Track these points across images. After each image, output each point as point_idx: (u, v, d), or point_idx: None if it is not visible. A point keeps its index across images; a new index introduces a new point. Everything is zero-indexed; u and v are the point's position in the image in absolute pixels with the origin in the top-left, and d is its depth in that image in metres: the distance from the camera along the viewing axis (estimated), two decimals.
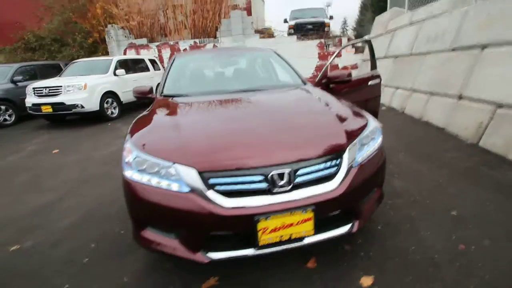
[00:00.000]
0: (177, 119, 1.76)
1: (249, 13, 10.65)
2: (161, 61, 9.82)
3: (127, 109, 7.77)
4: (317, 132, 1.58)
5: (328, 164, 1.43)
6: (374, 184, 1.64)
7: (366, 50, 8.33)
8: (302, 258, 1.69)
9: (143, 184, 1.40)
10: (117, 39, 9.67)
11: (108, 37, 9.58)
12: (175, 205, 1.32)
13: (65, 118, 7.06)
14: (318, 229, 1.38)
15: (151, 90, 2.59)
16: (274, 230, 1.32)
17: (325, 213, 1.38)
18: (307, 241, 1.40)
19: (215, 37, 10.08)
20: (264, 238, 1.32)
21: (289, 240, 1.37)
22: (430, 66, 4.99)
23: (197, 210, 1.29)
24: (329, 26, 11.38)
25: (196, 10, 9.94)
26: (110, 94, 6.61)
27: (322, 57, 9.59)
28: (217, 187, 1.32)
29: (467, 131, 3.68)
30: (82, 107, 5.96)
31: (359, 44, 8.14)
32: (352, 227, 1.50)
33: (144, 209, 1.44)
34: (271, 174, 1.32)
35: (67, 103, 5.87)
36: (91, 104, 6.10)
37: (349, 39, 10.16)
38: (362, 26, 17.32)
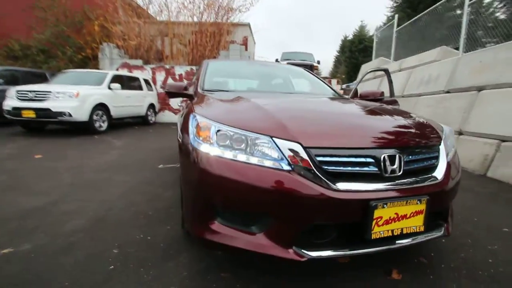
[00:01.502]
0: (250, 102, 1.59)
1: (246, 48, 11.18)
2: (154, 83, 9.67)
3: (115, 124, 7.33)
4: (409, 122, 1.49)
5: (430, 154, 1.34)
6: (458, 186, 1.54)
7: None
8: (381, 270, 1.47)
9: (228, 160, 1.17)
10: (111, 57, 9.46)
11: (102, 54, 9.35)
12: (271, 186, 1.10)
13: (45, 127, 6.44)
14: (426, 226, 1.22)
15: (187, 87, 2.41)
16: (387, 221, 1.13)
17: (434, 206, 1.23)
18: (413, 240, 1.23)
19: None
20: (377, 230, 1.12)
21: (400, 236, 1.18)
22: (426, 105, 5.39)
23: (302, 192, 1.08)
24: (317, 69, 12.26)
25: (196, 41, 10.22)
26: (101, 107, 6.22)
27: None
28: (325, 167, 1.14)
29: (472, 163, 3.86)
30: (70, 115, 5.47)
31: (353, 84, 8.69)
32: (445, 230, 1.36)
33: (224, 192, 1.18)
34: (383, 156, 1.18)
35: (54, 109, 5.37)
36: (81, 113, 5.65)
37: (338, 81, 10.89)
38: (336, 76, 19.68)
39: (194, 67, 9.94)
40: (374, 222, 1.11)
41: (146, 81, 8.72)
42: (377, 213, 1.10)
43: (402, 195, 1.15)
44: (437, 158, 1.35)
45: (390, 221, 1.14)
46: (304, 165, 1.11)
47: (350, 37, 29.80)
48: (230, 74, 2.77)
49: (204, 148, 1.24)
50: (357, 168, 1.16)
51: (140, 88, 8.25)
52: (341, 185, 1.11)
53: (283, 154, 1.14)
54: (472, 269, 1.51)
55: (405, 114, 1.66)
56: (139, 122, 8.59)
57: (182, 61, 10.76)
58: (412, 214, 1.17)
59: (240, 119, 1.32)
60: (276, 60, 13.34)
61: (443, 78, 5.11)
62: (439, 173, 1.30)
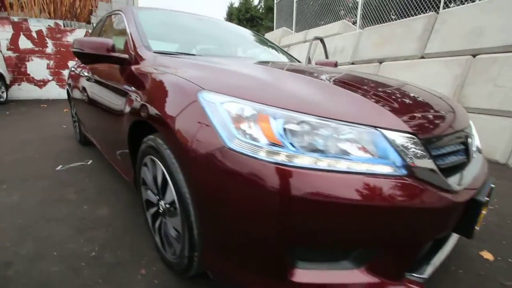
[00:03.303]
0: (291, 73, 1.11)
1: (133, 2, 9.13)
2: None
3: None
4: (450, 99, 1.35)
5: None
6: None
7: None
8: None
9: (315, 171, 0.72)
10: None
11: None
12: (386, 200, 0.73)
13: None
14: None
15: (114, 47, 1.54)
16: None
17: None
18: None
19: (88, 22, 7.91)
20: (476, 227, 0.96)
21: None
22: None
23: (428, 201, 0.77)
24: None
25: None
26: None
27: None
28: (439, 163, 0.85)
29: None
30: None
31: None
32: None
33: (314, 221, 0.73)
34: (469, 139, 1.01)
35: None
36: None
37: None
38: None
39: (61, 22, 7.39)
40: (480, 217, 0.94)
41: None
42: (484, 209, 0.94)
43: (488, 180, 1.03)
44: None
45: (480, 213, 1.01)
46: (424, 165, 0.80)
47: (236, 4, 29.57)
48: (177, 31, 1.97)
49: (266, 155, 0.73)
50: (454, 158, 0.95)
51: None
52: (455, 184, 0.87)
53: (397, 153, 0.77)
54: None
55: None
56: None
57: (38, 13, 7.80)
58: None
59: (309, 102, 0.83)
60: None
61: (348, 50, 5.67)
62: (480, 149, 1.28)
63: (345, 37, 5.92)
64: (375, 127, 0.78)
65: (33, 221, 1.61)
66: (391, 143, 0.77)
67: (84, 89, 2.34)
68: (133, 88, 1.29)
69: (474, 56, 3.44)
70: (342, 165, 0.73)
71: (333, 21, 7.01)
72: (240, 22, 27.59)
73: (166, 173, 1.04)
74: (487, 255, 1.43)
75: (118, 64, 1.58)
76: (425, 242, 0.84)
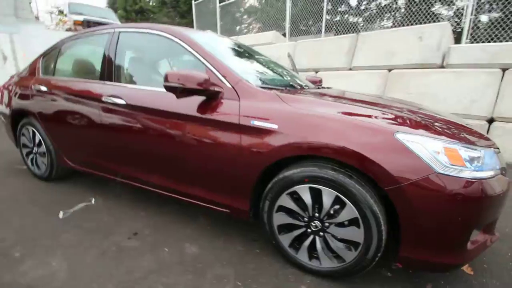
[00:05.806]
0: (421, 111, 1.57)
1: None
2: None
3: None
4: None
5: None
6: None
7: None
8: None
9: (483, 179, 1.18)
10: None
11: None
12: (505, 189, 1.28)
13: None
14: None
15: (208, 81, 1.51)
16: None
17: None
18: None
19: None
20: None
21: None
22: None
23: (508, 186, 1.34)
24: None
25: None
26: None
27: None
28: None
29: None
30: None
31: None
32: None
33: (485, 210, 1.22)
34: None
35: None
36: None
37: None
38: None
39: None
40: None
41: None
42: None
43: None
44: None
45: None
46: (502, 166, 1.37)
47: None
48: (235, 58, 1.99)
49: (465, 174, 1.15)
50: None
51: None
52: None
53: (498, 161, 1.31)
54: None
55: None
56: None
57: None
58: None
59: (452, 134, 1.28)
60: (61, 12, 9.71)
61: (285, 59, 6.39)
62: None
63: (279, 47, 6.62)
64: (490, 147, 1.30)
65: (129, 281, 1.40)
66: (497, 155, 1.31)
67: (102, 116, 1.98)
68: (274, 125, 1.36)
69: (389, 70, 4.70)
70: (489, 173, 1.21)
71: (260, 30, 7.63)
72: (128, 14, 24.78)
73: (345, 198, 1.26)
74: None
75: (204, 96, 1.56)
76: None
